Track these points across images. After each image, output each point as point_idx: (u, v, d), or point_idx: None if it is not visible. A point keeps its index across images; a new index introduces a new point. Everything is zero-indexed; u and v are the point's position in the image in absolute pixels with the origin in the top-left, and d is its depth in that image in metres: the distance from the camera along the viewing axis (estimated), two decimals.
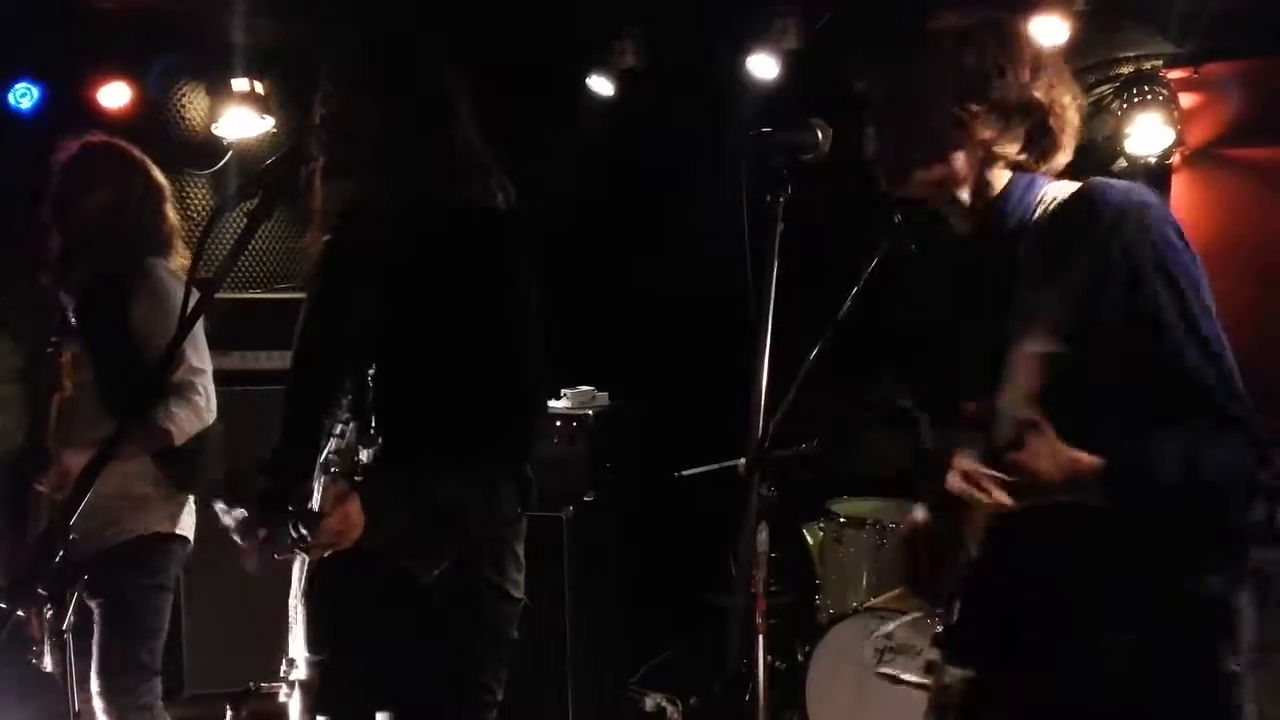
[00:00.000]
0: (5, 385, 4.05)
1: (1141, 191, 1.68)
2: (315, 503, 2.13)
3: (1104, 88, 4.50)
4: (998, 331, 1.68)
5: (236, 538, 2.36)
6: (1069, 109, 1.81)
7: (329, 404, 2.37)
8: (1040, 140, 1.80)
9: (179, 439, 3.11)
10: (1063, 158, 1.84)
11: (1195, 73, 4.33)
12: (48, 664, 3.06)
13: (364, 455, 2.02)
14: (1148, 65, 4.38)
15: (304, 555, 2.30)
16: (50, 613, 2.99)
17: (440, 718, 2.32)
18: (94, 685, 3.15)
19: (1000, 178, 1.83)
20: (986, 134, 1.77)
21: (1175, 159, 4.40)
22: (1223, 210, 4.37)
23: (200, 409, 3.14)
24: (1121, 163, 4.48)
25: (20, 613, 3.01)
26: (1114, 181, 1.72)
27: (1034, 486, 1.57)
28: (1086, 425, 1.61)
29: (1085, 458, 1.59)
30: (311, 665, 2.34)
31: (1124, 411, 1.64)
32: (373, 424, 1.98)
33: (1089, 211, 1.67)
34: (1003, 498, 1.57)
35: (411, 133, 2.28)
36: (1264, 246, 4.19)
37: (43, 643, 3.04)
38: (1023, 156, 1.81)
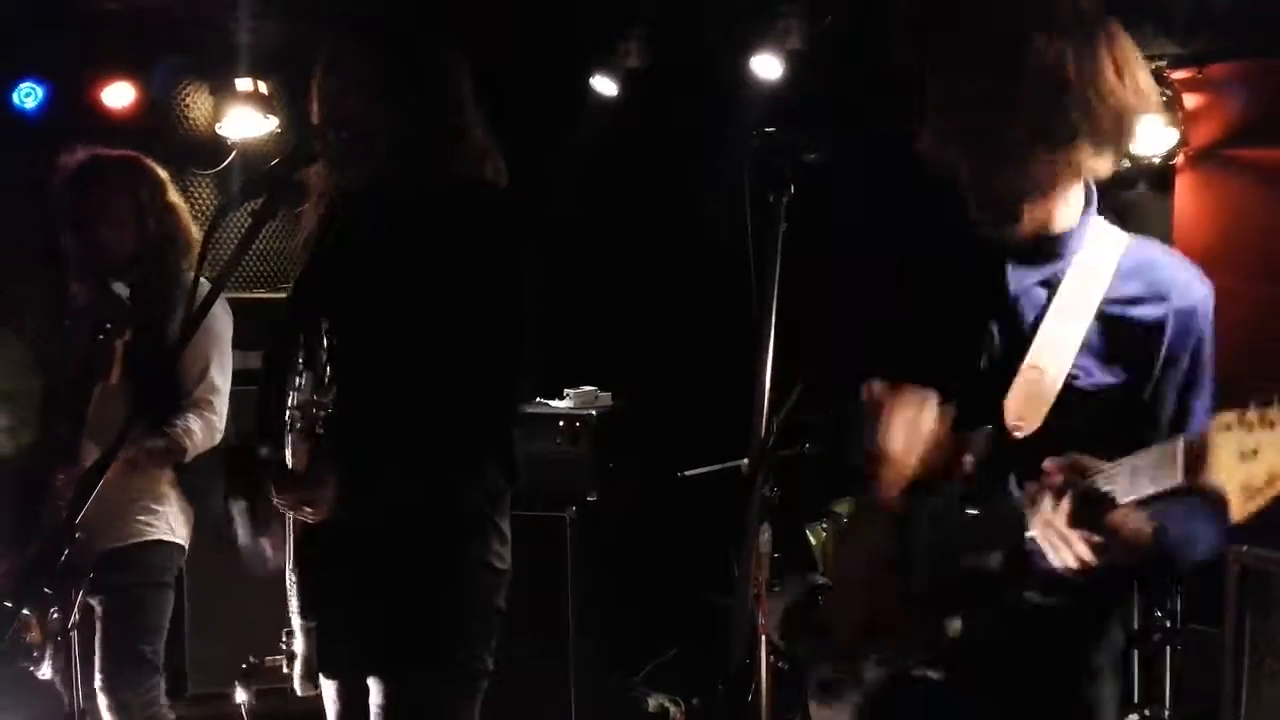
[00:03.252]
0: (11, 381, 4.04)
1: None
2: (288, 456, 2.19)
3: None
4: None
5: (241, 532, 2.40)
6: None
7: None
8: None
9: (190, 455, 3.16)
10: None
11: (1199, 73, 4.33)
12: (45, 671, 3.06)
13: (324, 404, 2.06)
14: (1151, 65, 4.36)
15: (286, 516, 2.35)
16: (54, 614, 3.02)
17: (431, 686, 2.35)
18: (97, 682, 3.16)
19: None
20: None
21: (1179, 159, 4.39)
22: (1227, 211, 4.36)
23: (215, 428, 3.20)
24: (1125, 163, 4.47)
25: (25, 611, 3.03)
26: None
27: (1121, 550, 1.56)
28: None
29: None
30: (305, 631, 2.37)
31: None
32: (328, 374, 2.01)
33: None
34: (1086, 557, 1.56)
35: (413, 128, 2.30)
36: (1268, 247, 4.18)
37: (43, 648, 3.04)
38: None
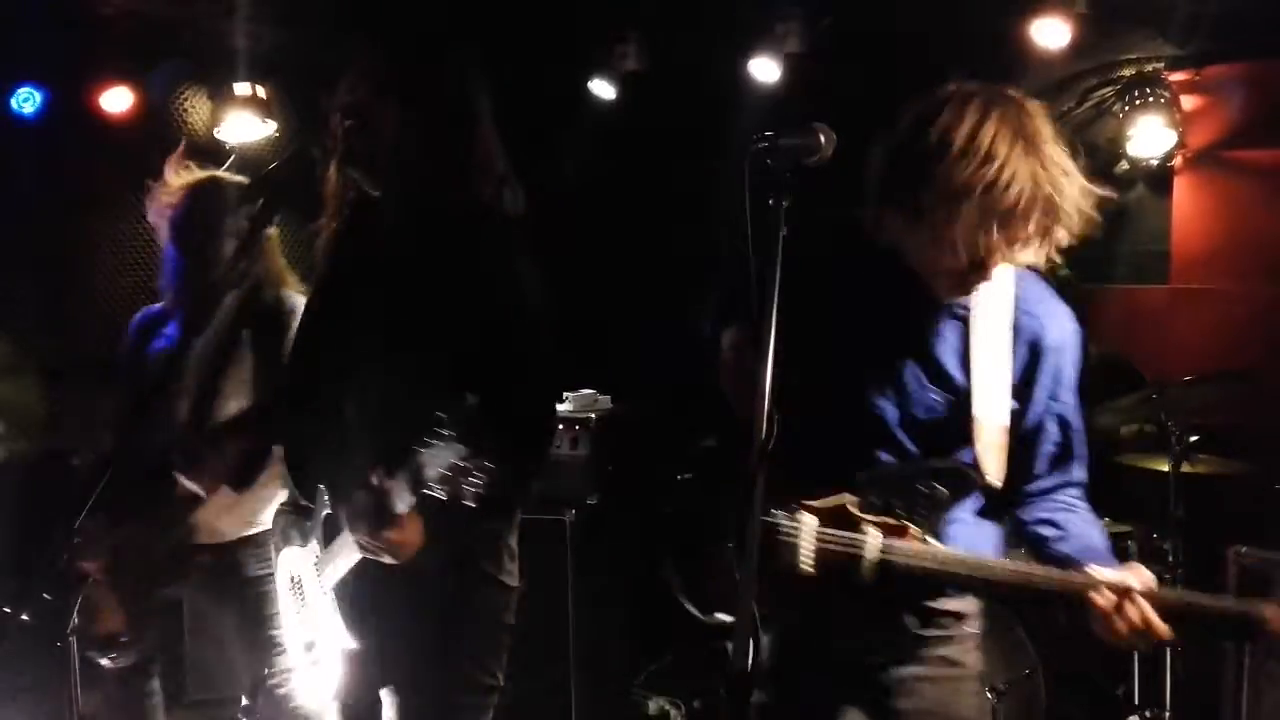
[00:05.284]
0: (7, 388, 4.04)
1: None
2: (398, 505, 2.15)
3: (1105, 90, 4.51)
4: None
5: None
6: None
7: (327, 388, 2.42)
8: None
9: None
10: None
11: (1197, 75, 4.34)
12: (120, 659, 3.07)
13: (473, 482, 2.05)
14: (1149, 67, 4.38)
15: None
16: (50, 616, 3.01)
17: (442, 700, 2.36)
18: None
19: None
20: None
21: (1177, 161, 4.40)
22: (1225, 212, 4.36)
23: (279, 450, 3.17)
24: (1124, 165, 4.48)
25: (25, 617, 3.02)
26: None
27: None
28: None
29: None
30: (346, 655, 2.38)
31: None
32: (485, 457, 2.03)
33: None
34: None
35: (431, 136, 2.31)
36: (1267, 248, 4.19)
37: (117, 636, 3.06)
38: None
